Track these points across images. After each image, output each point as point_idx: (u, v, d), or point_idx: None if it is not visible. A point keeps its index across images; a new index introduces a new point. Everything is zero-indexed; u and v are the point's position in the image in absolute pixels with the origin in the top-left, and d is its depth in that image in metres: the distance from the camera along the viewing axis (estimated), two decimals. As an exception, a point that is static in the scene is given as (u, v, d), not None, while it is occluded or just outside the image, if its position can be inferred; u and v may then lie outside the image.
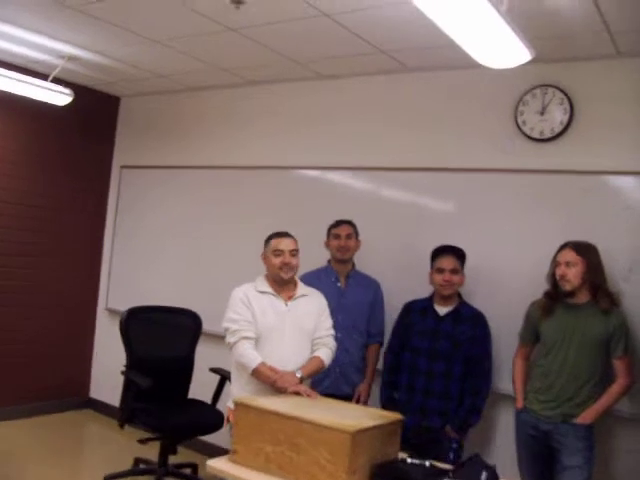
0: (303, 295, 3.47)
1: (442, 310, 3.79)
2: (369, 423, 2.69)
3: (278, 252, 3.41)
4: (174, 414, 4.17)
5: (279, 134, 5.02)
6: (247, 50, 4.26)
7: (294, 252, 3.44)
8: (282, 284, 3.44)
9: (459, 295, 3.85)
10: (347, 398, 3.89)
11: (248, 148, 5.16)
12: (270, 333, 3.32)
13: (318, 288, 3.63)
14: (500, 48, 2.91)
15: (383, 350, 4.05)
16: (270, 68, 4.65)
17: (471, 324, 3.75)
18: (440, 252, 3.82)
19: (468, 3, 2.56)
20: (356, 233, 4.10)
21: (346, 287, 4.05)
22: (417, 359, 3.75)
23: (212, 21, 3.81)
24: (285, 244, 3.43)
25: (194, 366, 4.57)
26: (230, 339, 3.31)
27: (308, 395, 3.11)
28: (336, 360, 3.64)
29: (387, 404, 3.83)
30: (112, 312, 5.82)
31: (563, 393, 3.39)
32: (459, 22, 2.75)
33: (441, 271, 3.76)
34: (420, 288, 3.91)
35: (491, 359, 3.79)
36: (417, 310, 3.87)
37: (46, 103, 5.01)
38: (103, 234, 6.12)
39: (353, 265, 4.14)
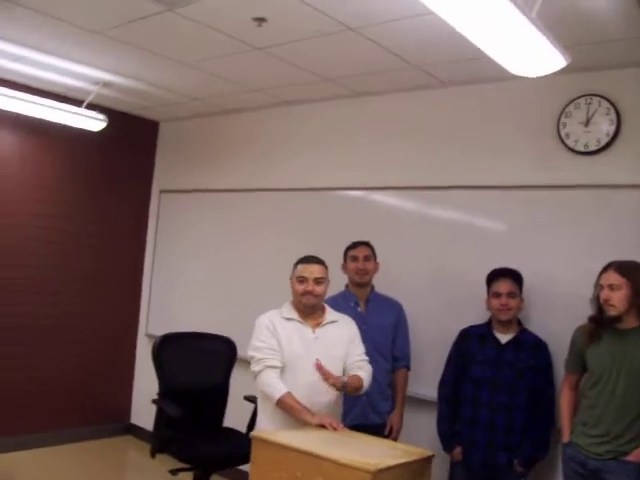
0: (332, 322, 3.31)
1: (503, 338, 3.60)
2: (393, 461, 2.52)
3: (302, 279, 3.26)
4: (206, 444, 4.04)
5: (313, 154, 4.91)
6: (276, 69, 4.18)
7: (320, 280, 3.28)
8: (307, 311, 3.29)
9: (519, 322, 3.66)
10: (377, 428, 3.73)
11: (283, 169, 5.07)
12: (296, 362, 3.16)
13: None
14: (531, 56, 2.73)
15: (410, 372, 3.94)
16: (301, 86, 4.56)
17: (532, 352, 3.55)
18: (496, 275, 3.64)
19: (494, 10, 2.41)
20: (374, 254, 3.94)
21: (367, 311, 3.88)
22: (479, 390, 3.56)
23: (238, 41, 3.74)
24: (310, 271, 3.28)
25: (229, 394, 4.45)
26: (255, 368, 3.17)
27: (334, 428, 2.94)
28: None
29: (448, 439, 3.67)
30: (152, 338, 5.74)
31: (612, 428, 3.13)
32: (486, 31, 2.61)
33: (498, 295, 3.58)
34: (452, 310, 3.80)
35: (555, 389, 3.57)
36: (475, 337, 3.68)
37: (86, 130, 5.04)
38: (144, 259, 6.12)
39: (372, 288, 3.97)
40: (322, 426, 2.96)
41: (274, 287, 4.54)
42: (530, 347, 3.56)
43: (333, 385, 3.05)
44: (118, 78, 4.71)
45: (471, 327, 3.73)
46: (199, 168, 5.69)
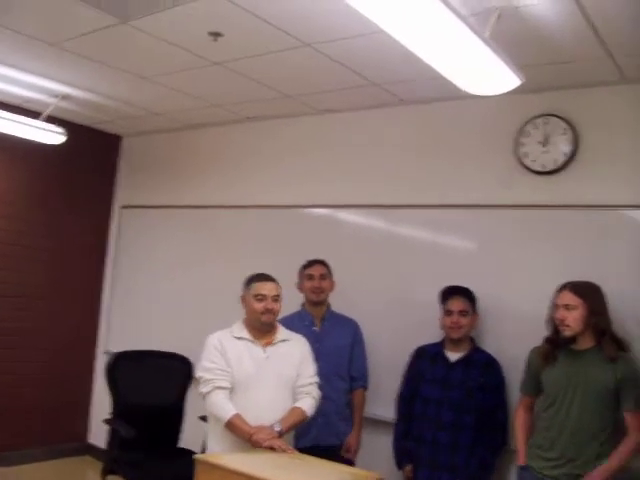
0: (284, 340, 3.25)
1: (453, 356, 3.58)
2: (343, 486, 2.45)
3: (261, 297, 3.20)
4: (159, 465, 3.94)
5: (277, 172, 4.86)
6: (235, 84, 4.13)
7: (277, 298, 3.24)
8: (262, 330, 3.23)
9: (472, 340, 3.63)
10: (334, 449, 3.68)
11: (246, 187, 5.01)
12: (247, 382, 3.10)
13: (293, 334, 3.42)
14: (485, 75, 2.75)
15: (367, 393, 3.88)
16: (262, 103, 4.52)
17: (482, 371, 3.52)
18: (449, 293, 3.63)
19: (447, 31, 2.41)
20: (330, 273, 3.90)
21: (323, 330, 3.82)
22: (427, 408, 3.53)
23: (194, 55, 3.69)
24: (268, 289, 3.23)
25: (185, 413, 4.35)
26: (203, 389, 3.10)
27: (284, 451, 2.88)
28: (319, 410, 3.40)
29: (399, 456, 3.64)
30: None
31: (567, 451, 3.09)
32: (439, 51, 2.63)
33: (450, 313, 3.56)
34: (411, 329, 3.76)
35: (506, 410, 3.54)
36: (428, 356, 3.66)
37: (45, 143, 4.92)
38: (103, 275, 5.99)
39: (328, 306, 3.92)
40: (272, 449, 2.89)
41: (235, 305, 4.49)
42: (481, 366, 3.53)
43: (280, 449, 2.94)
44: (75, 91, 4.63)
45: (426, 346, 3.71)
46: (161, 184, 5.61)
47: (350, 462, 3.72)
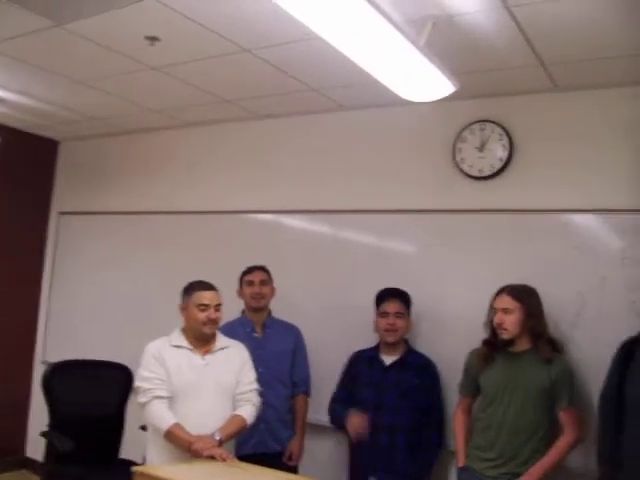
0: (223, 348, 3.21)
1: (388, 359, 3.59)
2: (280, 494, 2.44)
3: (203, 307, 3.15)
4: (98, 477, 3.87)
5: (218, 177, 4.81)
6: (173, 89, 4.08)
7: (219, 307, 3.21)
8: (201, 338, 3.19)
9: (406, 342, 3.65)
10: (277, 456, 3.67)
11: (187, 192, 4.94)
12: (186, 391, 3.05)
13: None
14: (420, 82, 2.79)
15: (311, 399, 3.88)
16: (202, 108, 4.47)
17: (418, 372, 3.55)
18: (384, 296, 3.63)
19: (382, 38, 2.44)
20: (270, 279, 3.89)
21: (264, 337, 3.81)
22: (364, 412, 3.50)
23: (131, 59, 3.63)
24: (210, 298, 3.18)
25: (125, 423, 4.27)
26: (142, 399, 3.04)
27: (224, 459, 2.85)
28: (261, 416, 3.39)
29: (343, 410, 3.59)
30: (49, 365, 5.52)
31: (505, 450, 3.16)
32: (374, 58, 2.66)
33: (385, 315, 3.57)
34: (353, 334, 3.76)
35: (442, 411, 3.58)
36: (364, 360, 3.66)
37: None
38: (41, 283, 5.82)
39: (269, 312, 3.91)
40: (212, 458, 2.86)
41: (176, 313, 4.43)
42: (416, 367, 3.57)
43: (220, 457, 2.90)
44: (10, 94, 4.49)
45: (361, 350, 3.72)
46: (100, 190, 5.48)
47: (293, 468, 3.71)
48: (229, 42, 3.29)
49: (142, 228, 5.15)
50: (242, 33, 3.20)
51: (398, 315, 3.57)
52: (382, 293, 3.66)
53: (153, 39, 3.32)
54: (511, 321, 3.18)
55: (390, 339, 3.56)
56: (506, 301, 3.20)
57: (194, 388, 3.06)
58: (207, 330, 3.16)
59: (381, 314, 3.60)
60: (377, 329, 3.63)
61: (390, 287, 3.66)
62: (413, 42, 2.51)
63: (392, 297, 3.62)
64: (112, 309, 5.25)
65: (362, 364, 3.66)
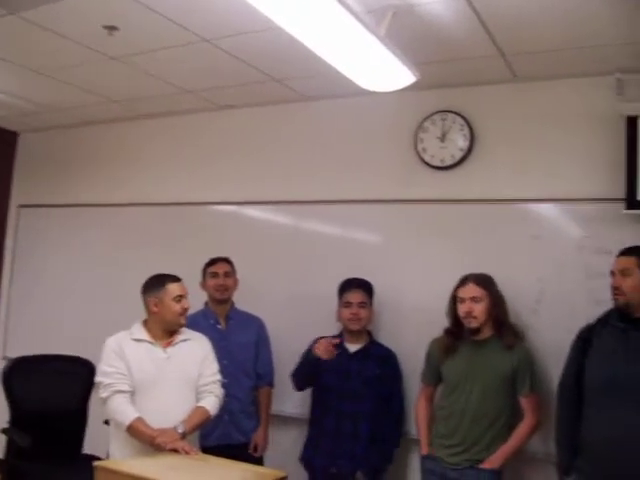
0: (184, 340, 3.18)
1: (352, 347, 3.61)
2: (242, 485, 2.43)
3: (179, 298, 3.13)
4: (60, 473, 3.82)
5: (180, 168, 4.76)
6: (134, 80, 4.03)
7: (187, 296, 3.20)
8: (166, 331, 3.16)
9: (369, 333, 3.67)
10: (242, 447, 3.67)
11: (149, 184, 4.88)
12: (148, 385, 3.01)
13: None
14: (380, 72, 2.79)
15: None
16: (162, 98, 4.41)
17: (380, 362, 3.57)
18: (347, 286, 3.64)
19: (341, 28, 2.44)
20: (234, 271, 3.88)
21: (227, 328, 3.80)
22: (327, 398, 3.54)
23: (90, 49, 3.57)
24: (183, 289, 3.18)
25: (88, 418, 4.22)
26: (103, 394, 3.00)
27: (187, 452, 2.83)
28: (225, 408, 3.39)
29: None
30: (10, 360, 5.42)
31: (468, 437, 3.20)
32: (334, 48, 2.67)
33: (349, 305, 3.57)
34: (317, 325, 3.73)
35: (403, 400, 3.61)
36: None
37: None
38: (0, 277, 5.72)
39: (233, 304, 3.90)
40: (176, 451, 2.84)
41: (140, 305, 4.39)
42: (378, 358, 3.59)
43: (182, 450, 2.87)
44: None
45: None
46: (61, 182, 5.39)
47: (258, 460, 3.71)
48: (189, 32, 3.26)
49: (103, 221, 5.07)
50: (202, 23, 3.17)
51: (361, 305, 3.58)
52: (345, 283, 3.67)
53: (112, 28, 3.27)
54: (480, 310, 3.22)
55: (354, 327, 3.58)
56: (474, 290, 3.25)
57: (156, 381, 3.02)
58: (183, 321, 3.15)
59: (345, 304, 3.61)
60: (340, 318, 3.64)
61: (353, 277, 3.67)
62: (373, 32, 2.51)
63: (355, 287, 3.63)
64: (73, 303, 5.17)
65: None
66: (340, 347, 3.60)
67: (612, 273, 2.89)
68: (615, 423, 2.69)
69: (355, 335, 3.61)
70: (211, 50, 3.46)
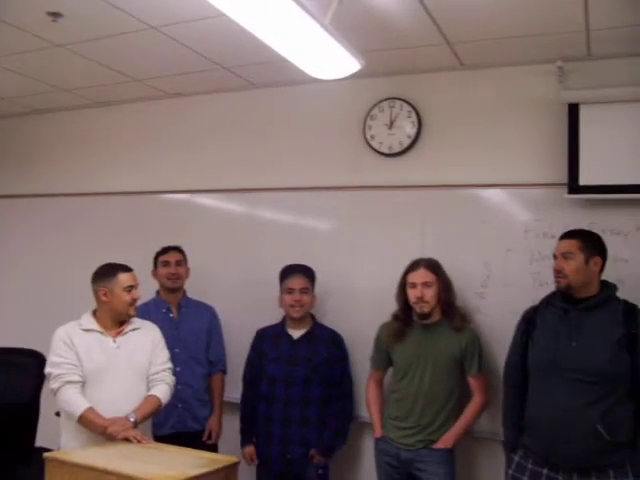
0: (134, 329, 3.18)
1: (296, 333, 3.62)
2: (195, 471, 2.44)
3: (129, 288, 3.13)
4: (11, 468, 3.77)
5: (131, 157, 4.71)
6: (81, 68, 3.96)
7: (137, 286, 3.20)
8: (117, 320, 3.15)
9: (312, 316, 3.70)
10: (196, 434, 3.71)
11: (99, 173, 4.82)
12: (98, 375, 3.00)
13: (148, 322, 3.38)
14: (326, 59, 2.80)
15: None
16: (112, 87, 4.36)
17: (326, 345, 3.60)
18: (289, 272, 3.65)
19: (286, 16, 2.44)
20: (185, 259, 3.89)
21: (179, 317, 3.82)
22: (274, 387, 3.56)
23: (34, 36, 3.49)
24: (133, 279, 3.17)
25: (41, 411, 4.17)
26: (53, 385, 2.98)
27: (139, 441, 2.83)
28: (178, 396, 3.43)
29: (245, 437, 3.66)
30: (-41, 355, 5.32)
31: (421, 419, 3.28)
32: (279, 35, 2.66)
33: (291, 291, 3.58)
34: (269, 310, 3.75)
35: (352, 382, 3.65)
36: (270, 336, 3.68)
37: None
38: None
39: (184, 293, 3.91)
40: (128, 440, 2.84)
41: (90, 296, 4.35)
42: (324, 340, 3.61)
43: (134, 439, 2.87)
44: None
45: (266, 327, 3.74)
46: (7, 172, 5.28)
47: (213, 447, 3.74)
48: (135, 19, 3.22)
49: (54, 210, 5.00)
50: (148, 10, 3.13)
51: (304, 291, 3.59)
52: (286, 269, 3.67)
53: (56, 15, 3.20)
54: (431, 294, 3.29)
55: (296, 314, 3.59)
56: (425, 275, 3.30)
57: (106, 371, 3.02)
58: (132, 311, 3.15)
59: (287, 290, 3.61)
60: (282, 305, 3.65)
61: (294, 263, 3.68)
62: (317, 20, 2.51)
63: (297, 273, 3.63)
64: (23, 294, 5.10)
65: (268, 340, 3.67)
66: (284, 335, 3.64)
67: (554, 256, 2.97)
68: (556, 402, 2.78)
69: (298, 321, 3.62)
70: (158, 38, 3.43)
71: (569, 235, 2.96)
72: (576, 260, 2.86)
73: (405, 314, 3.37)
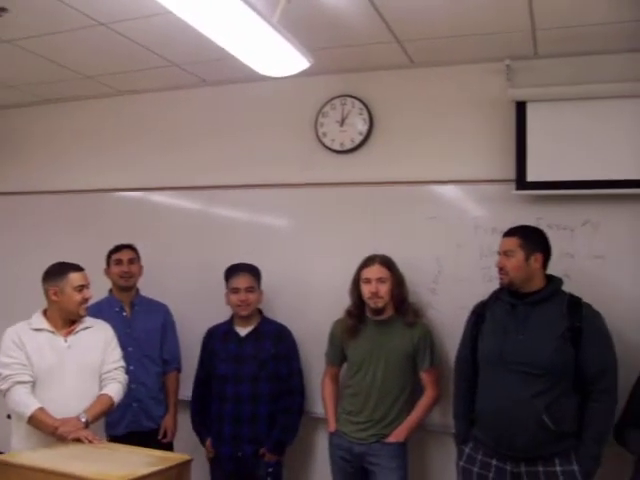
0: (86, 328, 3.15)
1: (243, 331, 3.63)
2: (146, 470, 2.43)
3: (80, 287, 3.09)
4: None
5: (82, 155, 4.64)
6: (30, 65, 3.89)
7: (89, 287, 3.17)
8: (67, 320, 3.12)
9: (260, 312, 3.70)
10: (151, 434, 3.69)
11: (50, 171, 4.73)
12: (49, 375, 2.97)
13: (101, 321, 3.35)
14: (274, 57, 2.81)
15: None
16: (62, 84, 4.29)
17: (273, 341, 3.60)
18: (233, 271, 3.65)
19: (234, 13, 2.45)
20: (138, 257, 3.87)
21: (132, 315, 3.79)
22: (225, 386, 3.56)
23: (-21, 32, 3.44)
24: (84, 278, 3.13)
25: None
26: (2, 386, 2.94)
27: (90, 441, 2.81)
28: (133, 395, 3.44)
29: (199, 434, 3.67)
30: None
31: (375, 413, 3.32)
32: (227, 33, 2.67)
33: (236, 291, 3.58)
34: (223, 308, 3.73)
35: (302, 377, 3.66)
36: (219, 335, 3.68)
37: None
38: None
39: (138, 291, 3.89)
40: (79, 440, 2.81)
41: (40, 296, 4.29)
42: (271, 336, 3.61)
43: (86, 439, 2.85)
44: None
45: (215, 326, 3.74)
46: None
47: (168, 445, 3.73)
48: (83, 15, 3.17)
49: (3, 209, 4.91)
50: (96, 6, 3.09)
51: (249, 290, 3.59)
52: (231, 269, 3.67)
53: (1, 10, 3.15)
54: (385, 290, 3.32)
55: (243, 313, 3.59)
56: (380, 271, 3.34)
57: (57, 371, 2.99)
58: (83, 311, 3.12)
59: (232, 290, 3.61)
60: (229, 304, 3.65)
61: (239, 262, 3.68)
62: (265, 18, 2.52)
63: (241, 272, 3.63)
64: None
65: (217, 339, 3.67)
66: (231, 332, 3.64)
67: (498, 253, 3.02)
68: (503, 394, 2.84)
69: (245, 318, 3.62)
70: (108, 34, 3.39)
71: (510, 233, 3.01)
72: (517, 258, 2.92)
73: (358, 310, 3.40)
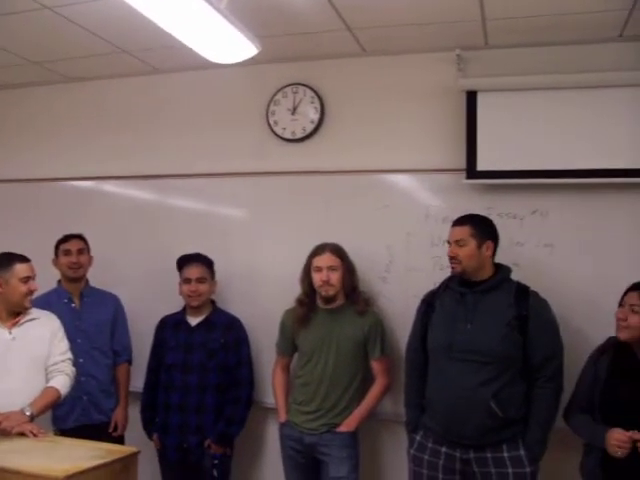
0: (31, 320, 3.08)
1: (194, 321, 3.62)
2: (89, 463, 2.39)
3: (25, 279, 3.02)
4: None
5: (26, 143, 4.53)
6: (-28, 49, 3.79)
7: (35, 278, 3.10)
8: (12, 312, 3.05)
9: (213, 302, 3.68)
10: (102, 426, 3.65)
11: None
12: (-7, 368, 2.91)
13: (50, 313, 3.28)
14: (222, 44, 2.79)
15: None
16: (8, 70, 4.17)
17: (223, 331, 3.58)
18: (185, 261, 3.62)
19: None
20: (88, 248, 3.80)
21: (82, 307, 3.72)
22: (172, 375, 3.54)
23: None
24: (30, 269, 3.07)
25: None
26: (-57, 380, 2.87)
27: (34, 435, 2.75)
28: (82, 388, 3.40)
29: (146, 427, 3.65)
30: None
31: (325, 403, 3.32)
32: (174, 20, 2.63)
33: (187, 281, 3.56)
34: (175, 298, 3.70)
35: (250, 366, 3.64)
36: (170, 325, 3.66)
37: None
38: None
39: (87, 282, 3.82)
40: (23, 434, 2.75)
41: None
42: (221, 326, 3.60)
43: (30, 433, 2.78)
44: None
45: (168, 316, 3.72)
46: None
47: (119, 439, 3.67)
48: (25, -2, 3.10)
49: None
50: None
51: (200, 280, 3.57)
52: (183, 259, 3.65)
53: (-63, -8, 3.07)
54: (336, 278, 3.32)
55: (194, 303, 3.58)
56: (331, 259, 3.33)
57: (1, 364, 2.92)
58: (28, 304, 3.05)
59: (184, 280, 3.59)
60: (181, 294, 3.63)
61: (190, 253, 3.66)
62: (212, 3, 2.49)
63: (193, 262, 3.61)
64: None
65: (169, 329, 3.66)
66: (183, 322, 3.63)
67: (448, 242, 3.04)
68: (452, 382, 2.86)
69: (197, 308, 3.61)
70: (53, 18, 3.29)
71: (460, 222, 3.02)
72: (469, 246, 2.93)
73: (309, 298, 3.39)
